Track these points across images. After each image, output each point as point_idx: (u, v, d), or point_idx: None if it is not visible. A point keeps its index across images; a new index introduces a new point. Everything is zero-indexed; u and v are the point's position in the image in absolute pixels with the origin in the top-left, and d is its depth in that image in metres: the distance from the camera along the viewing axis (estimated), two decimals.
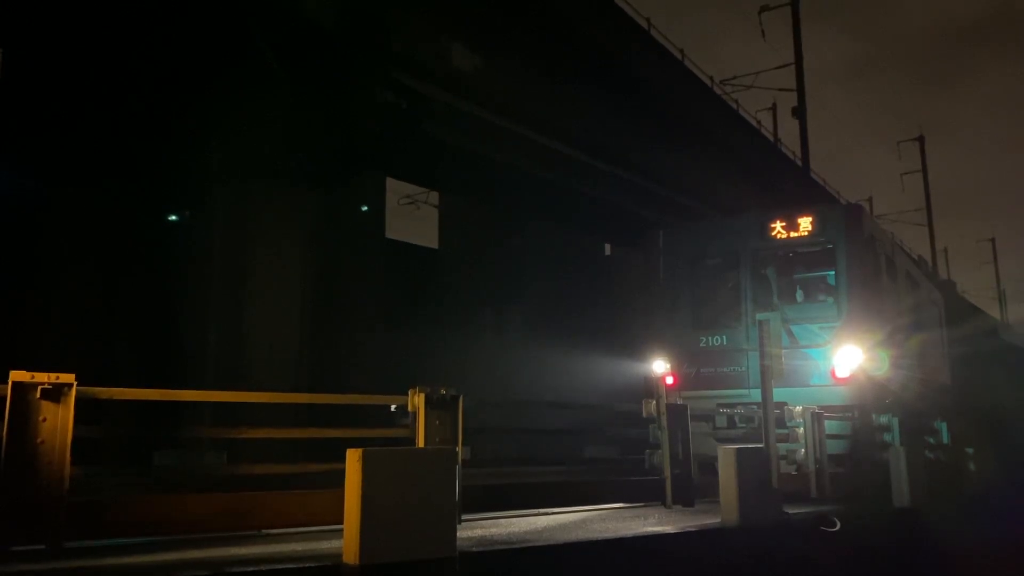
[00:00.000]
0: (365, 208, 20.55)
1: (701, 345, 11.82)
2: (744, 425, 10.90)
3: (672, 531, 6.89)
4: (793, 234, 11.71)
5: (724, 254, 12.31)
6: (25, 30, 13.25)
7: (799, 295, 12.24)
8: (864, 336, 10.88)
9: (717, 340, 11.76)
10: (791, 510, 8.07)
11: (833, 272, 11.64)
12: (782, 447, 9.29)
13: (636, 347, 13.43)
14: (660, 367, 10.99)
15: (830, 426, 10.02)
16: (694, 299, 12.38)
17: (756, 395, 9.78)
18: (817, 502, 9.22)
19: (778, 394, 8.70)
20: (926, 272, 24.50)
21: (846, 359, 10.59)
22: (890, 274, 12.70)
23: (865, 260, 11.43)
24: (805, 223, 11.64)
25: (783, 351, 8.90)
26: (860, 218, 11.92)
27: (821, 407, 9.92)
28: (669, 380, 11.23)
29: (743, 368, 11.25)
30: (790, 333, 10.77)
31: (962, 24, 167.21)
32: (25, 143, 15.28)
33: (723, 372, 11.51)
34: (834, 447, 10.16)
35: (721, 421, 11.13)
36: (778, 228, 11.80)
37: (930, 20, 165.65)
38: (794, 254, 12.13)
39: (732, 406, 11.14)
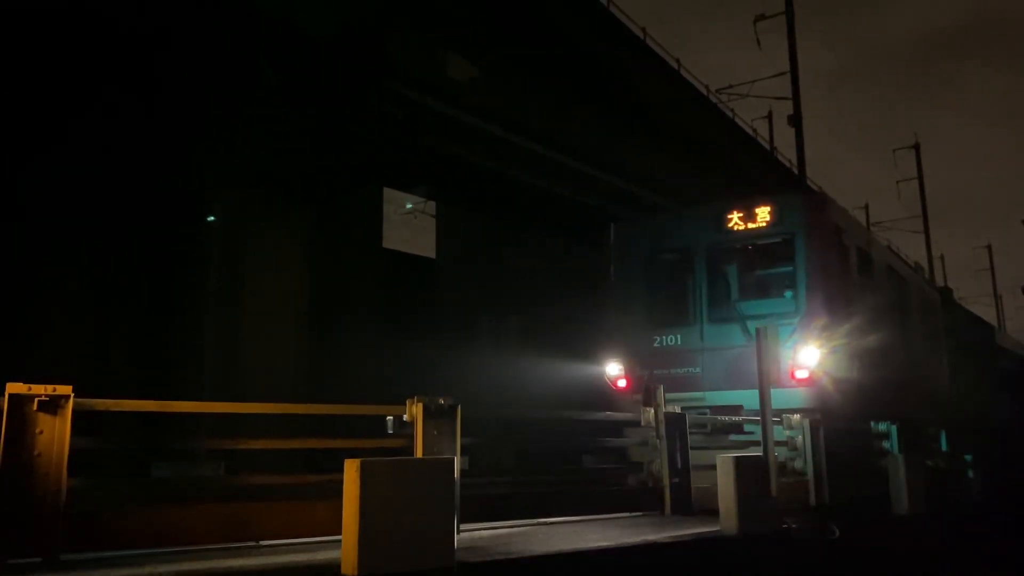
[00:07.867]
0: (364, 217, 20.57)
1: (655, 345, 11.03)
2: (695, 431, 10.29)
3: (671, 540, 6.87)
4: (751, 225, 10.90)
5: (680, 248, 11.53)
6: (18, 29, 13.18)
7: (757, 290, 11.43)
8: (827, 334, 10.08)
9: (671, 340, 11.00)
10: (790, 519, 8.06)
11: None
12: (780, 453, 9.20)
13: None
14: (614, 369, 10.46)
15: (779, 431, 9.09)
16: (648, 296, 11.63)
17: (712, 398, 9.34)
18: (816, 510, 9.20)
19: (734, 397, 8.34)
20: (923, 277, 24.53)
21: (804, 358, 9.79)
22: (864, 268, 11.87)
23: (827, 251, 10.63)
24: (763, 213, 10.83)
25: (740, 349, 8.44)
26: (823, 207, 11.20)
27: (778, 410, 8.91)
28: (622, 383, 10.60)
29: (698, 370, 10.52)
30: (745, 331, 9.98)
31: (950, 31, 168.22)
32: (17, 150, 15.25)
33: (677, 374, 10.58)
34: (783, 453, 9.29)
35: None
36: (735, 220, 11.01)
37: (919, 27, 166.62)
38: (753, 247, 11.30)
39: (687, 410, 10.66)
